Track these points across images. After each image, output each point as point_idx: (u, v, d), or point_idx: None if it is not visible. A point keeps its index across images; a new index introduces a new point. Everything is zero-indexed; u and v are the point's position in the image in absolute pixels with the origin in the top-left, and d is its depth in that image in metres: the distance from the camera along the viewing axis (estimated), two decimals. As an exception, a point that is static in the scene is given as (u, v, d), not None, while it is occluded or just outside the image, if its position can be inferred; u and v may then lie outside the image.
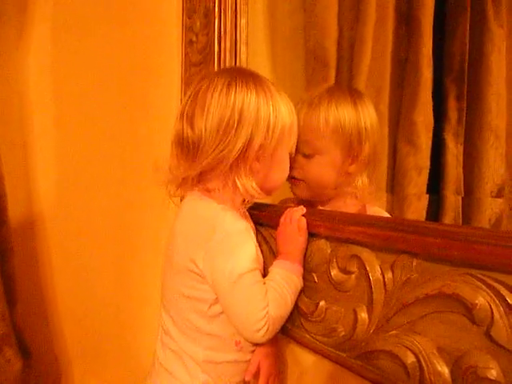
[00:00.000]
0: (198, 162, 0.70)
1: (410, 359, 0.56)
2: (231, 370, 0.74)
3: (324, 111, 0.79)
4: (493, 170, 0.92)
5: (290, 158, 0.78)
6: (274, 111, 0.70)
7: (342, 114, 0.78)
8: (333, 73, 1.01)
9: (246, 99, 0.68)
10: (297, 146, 0.79)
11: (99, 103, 1.14)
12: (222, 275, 0.67)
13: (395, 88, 1.00)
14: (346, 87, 0.90)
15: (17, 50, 1.06)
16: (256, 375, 0.75)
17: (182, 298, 0.73)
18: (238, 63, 0.94)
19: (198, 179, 0.74)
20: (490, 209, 0.91)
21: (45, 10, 1.09)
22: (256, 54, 1.03)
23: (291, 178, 0.83)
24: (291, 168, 0.79)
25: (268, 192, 0.77)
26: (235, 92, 0.68)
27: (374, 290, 0.61)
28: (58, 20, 1.11)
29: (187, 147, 0.71)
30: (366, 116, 0.80)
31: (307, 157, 0.81)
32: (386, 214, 0.85)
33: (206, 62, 0.99)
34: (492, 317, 0.48)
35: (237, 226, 0.70)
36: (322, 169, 0.80)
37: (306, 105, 0.81)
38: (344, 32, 1.02)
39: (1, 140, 0.98)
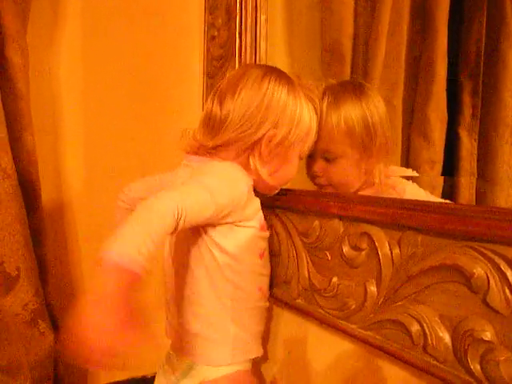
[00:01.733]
0: (219, 137, 0.74)
1: (415, 327, 0.61)
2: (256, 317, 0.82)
3: (334, 116, 0.81)
4: (507, 165, 0.94)
5: (311, 165, 0.84)
6: (300, 111, 0.75)
7: (350, 115, 0.81)
8: (348, 68, 1.05)
9: (277, 92, 0.73)
10: (316, 151, 0.83)
11: (125, 96, 1.21)
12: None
13: (410, 83, 1.03)
14: (348, 83, 0.92)
15: (50, 44, 1.14)
16: None
17: None
18: (257, 58, 0.99)
19: (213, 149, 0.77)
20: (504, 204, 0.95)
21: (75, 6, 1.16)
22: (274, 50, 1.08)
23: (317, 186, 0.87)
24: (315, 176, 0.85)
25: (269, 189, 0.82)
26: (268, 82, 0.73)
27: (382, 264, 0.66)
28: (86, 17, 1.18)
29: (213, 123, 0.75)
30: (372, 111, 0.82)
31: (328, 161, 0.84)
32: (421, 191, 0.87)
33: (227, 57, 1.04)
34: (488, 285, 0.52)
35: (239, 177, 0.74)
36: (345, 171, 0.84)
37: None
38: (359, 28, 1.05)
39: (35, 130, 1.05)
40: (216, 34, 1.08)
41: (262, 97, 0.72)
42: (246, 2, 0.99)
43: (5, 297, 0.96)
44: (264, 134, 0.73)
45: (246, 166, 0.76)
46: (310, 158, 0.87)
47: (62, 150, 1.17)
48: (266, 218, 0.90)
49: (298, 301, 0.82)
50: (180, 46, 1.22)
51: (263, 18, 1.02)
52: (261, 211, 0.80)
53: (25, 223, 0.97)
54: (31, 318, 0.99)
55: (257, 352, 0.83)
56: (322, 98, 0.83)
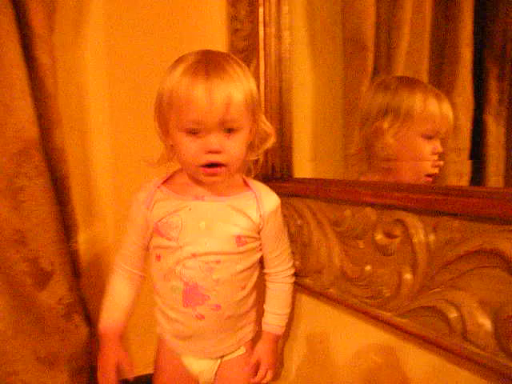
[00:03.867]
0: None
1: (453, 314, 0.60)
2: None
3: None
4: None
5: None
6: (164, 83, 0.79)
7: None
8: (371, 56, 1.04)
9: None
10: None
11: (149, 89, 1.21)
12: None
13: (434, 69, 1.02)
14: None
15: (75, 41, 1.15)
16: (255, 367, 0.93)
17: None
18: (282, 49, 0.99)
19: None
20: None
21: (98, 3, 1.18)
22: (296, 40, 1.08)
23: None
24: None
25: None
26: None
27: (417, 251, 0.65)
28: (110, 14, 1.19)
29: None
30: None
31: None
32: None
33: (251, 49, 1.04)
34: (530, 268, 0.52)
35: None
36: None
37: None
38: (381, 15, 1.04)
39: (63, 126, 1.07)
40: (239, 26, 1.08)
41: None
42: (268, -7, 0.98)
43: (41, 291, 0.98)
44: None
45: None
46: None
47: (90, 146, 1.19)
48: (295, 208, 0.90)
49: (330, 290, 0.82)
50: (203, 39, 1.22)
51: (286, 8, 1.01)
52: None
53: (57, 219, 0.99)
54: (66, 312, 1.01)
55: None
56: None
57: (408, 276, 0.67)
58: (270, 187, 0.97)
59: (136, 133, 1.22)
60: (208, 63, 0.75)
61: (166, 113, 0.78)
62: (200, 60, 0.76)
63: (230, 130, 0.76)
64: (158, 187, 0.87)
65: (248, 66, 1.04)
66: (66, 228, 1.04)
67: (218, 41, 1.20)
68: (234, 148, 0.77)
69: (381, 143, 0.88)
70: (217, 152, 0.76)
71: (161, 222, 0.84)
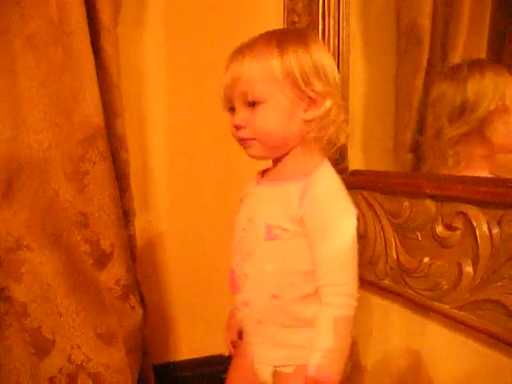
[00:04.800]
0: None
1: (517, 307, 0.60)
2: None
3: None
4: None
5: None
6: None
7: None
8: (426, 49, 1.03)
9: None
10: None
11: (206, 80, 1.25)
12: None
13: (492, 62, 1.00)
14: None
15: (136, 34, 1.20)
16: None
17: None
18: (340, 41, 0.99)
19: None
20: None
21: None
22: (351, 32, 1.08)
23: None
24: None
25: None
26: None
27: (480, 244, 0.65)
28: (170, 8, 1.23)
29: None
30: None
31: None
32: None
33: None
34: None
35: None
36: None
37: None
38: (438, 7, 1.03)
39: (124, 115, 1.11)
40: (296, 19, 1.10)
41: None
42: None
43: (100, 272, 1.03)
44: None
45: None
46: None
47: (148, 135, 1.23)
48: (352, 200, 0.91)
49: (385, 281, 0.83)
50: (260, 32, 1.24)
51: (344, 1, 1.01)
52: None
53: (118, 203, 1.03)
54: (123, 293, 1.05)
55: None
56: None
57: (469, 269, 0.67)
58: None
59: (193, 121, 1.26)
60: (245, 44, 0.78)
61: None
62: (243, 43, 0.78)
63: (253, 104, 0.74)
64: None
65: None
66: (124, 213, 1.09)
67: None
68: (258, 121, 0.75)
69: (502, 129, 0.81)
70: (241, 127, 0.76)
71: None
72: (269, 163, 0.82)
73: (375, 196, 0.84)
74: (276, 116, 0.75)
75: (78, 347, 1.01)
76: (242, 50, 0.76)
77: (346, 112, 0.81)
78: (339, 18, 0.99)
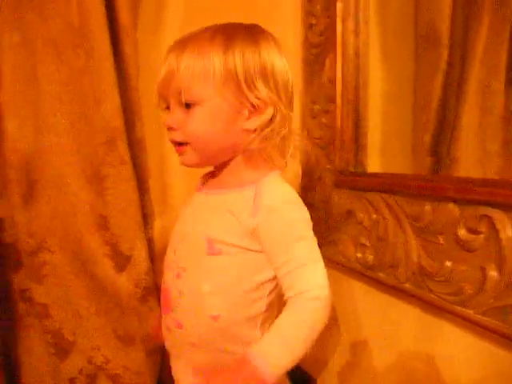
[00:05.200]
0: None
1: (544, 312, 0.59)
2: None
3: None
4: None
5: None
6: None
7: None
8: (445, 51, 1.02)
9: None
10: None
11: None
12: None
13: (512, 64, 0.99)
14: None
15: (153, 36, 1.20)
16: None
17: None
18: (360, 43, 0.99)
19: None
20: None
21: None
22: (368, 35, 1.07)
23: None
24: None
25: None
26: None
27: (504, 248, 0.64)
28: (188, 10, 1.23)
29: None
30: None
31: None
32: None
33: (326, 43, 1.05)
34: None
35: None
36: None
37: None
38: (457, 8, 1.02)
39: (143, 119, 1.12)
40: (314, 21, 1.09)
41: None
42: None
43: (120, 274, 1.04)
44: None
45: None
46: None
47: (166, 139, 1.23)
48: (370, 202, 0.91)
49: (406, 285, 0.82)
50: (277, 34, 1.24)
51: (363, 3, 1.01)
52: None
53: (138, 206, 1.04)
54: (142, 295, 1.06)
55: None
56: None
57: (493, 273, 0.66)
58: (344, 182, 0.98)
59: None
60: (188, 35, 0.70)
61: None
62: (187, 34, 0.72)
63: (188, 105, 0.67)
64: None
65: (324, 60, 1.06)
66: (144, 215, 1.09)
67: (292, 35, 1.22)
68: (191, 125, 0.67)
69: None
70: (172, 129, 0.70)
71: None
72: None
73: (395, 199, 0.83)
74: (211, 121, 0.67)
75: (98, 349, 1.02)
76: (183, 42, 0.68)
77: (291, 123, 0.72)
78: (358, 21, 0.98)
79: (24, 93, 0.99)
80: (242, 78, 0.66)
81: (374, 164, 1.03)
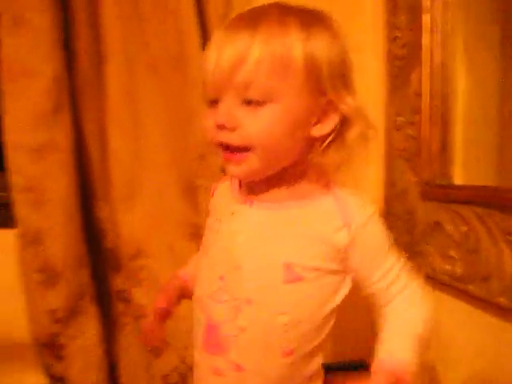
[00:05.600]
0: None
1: None
2: None
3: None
4: None
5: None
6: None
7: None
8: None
9: None
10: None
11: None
12: None
13: None
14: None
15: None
16: None
17: None
18: (446, 55, 0.99)
19: None
20: None
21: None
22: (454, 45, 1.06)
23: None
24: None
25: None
26: None
27: None
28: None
29: None
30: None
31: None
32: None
33: (411, 56, 1.06)
34: None
35: None
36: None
37: None
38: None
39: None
40: (399, 34, 1.10)
41: None
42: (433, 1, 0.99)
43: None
44: None
45: None
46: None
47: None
48: (460, 214, 0.90)
49: (500, 299, 0.81)
50: (360, 47, 1.27)
51: (450, 14, 1.01)
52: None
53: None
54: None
55: None
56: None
57: None
58: (432, 194, 0.98)
59: None
60: (250, 15, 0.56)
61: None
62: (245, 13, 0.57)
63: (253, 102, 0.53)
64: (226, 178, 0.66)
65: (409, 73, 1.06)
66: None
67: (374, 48, 1.24)
68: (256, 126, 0.54)
69: None
70: (225, 128, 0.55)
71: (207, 224, 0.68)
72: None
73: (488, 212, 0.82)
74: (282, 123, 0.54)
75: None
76: (249, 24, 0.53)
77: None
78: (445, 33, 0.98)
79: (126, 113, 1.08)
80: (325, 73, 0.54)
81: (459, 175, 1.02)
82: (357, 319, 1.07)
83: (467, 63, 1.07)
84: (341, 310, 0.64)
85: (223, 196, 0.67)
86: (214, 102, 0.56)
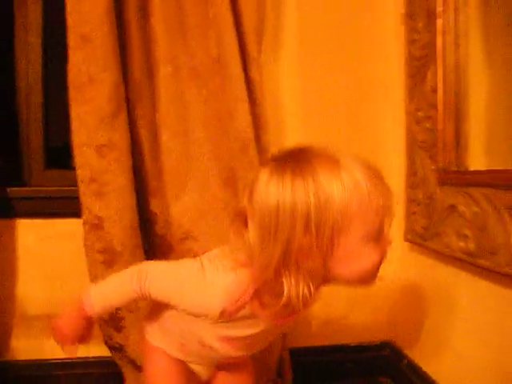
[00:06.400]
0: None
1: None
2: None
3: None
4: None
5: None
6: (316, 199, 0.59)
7: None
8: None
9: (281, 195, 0.60)
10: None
11: (334, 98, 1.43)
12: None
13: None
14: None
15: (274, 60, 1.42)
16: None
17: None
18: (459, 55, 1.09)
19: None
20: None
21: (291, 28, 1.42)
22: (473, 43, 1.15)
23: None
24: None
25: (352, 283, 0.68)
26: (272, 188, 0.62)
27: None
28: (300, 37, 1.43)
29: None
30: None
31: None
32: None
33: (428, 57, 1.17)
34: None
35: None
36: None
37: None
38: None
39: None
40: (417, 37, 1.22)
41: (269, 209, 0.62)
42: (446, 5, 1.10)
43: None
44: (283, 254, 0.62)
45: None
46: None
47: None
48: (472, 197, 1.01)
49: (506, 269, 0.91)
50: (380, 51, 1.40)
51: (462, 17, 1.11)
52: None
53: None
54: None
55: None
56: None
57: None
58: (447, 179, 1.11)
59: (325, 140, 1.41)
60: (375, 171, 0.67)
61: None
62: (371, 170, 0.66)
63: None
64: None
65: (426, 72, 1.18)
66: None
67: (395, 51, 1.36)
68: None
69: None
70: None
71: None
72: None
73: (495, 192, 0.93)
74: None
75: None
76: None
77: None
78: (458, 35, 1.09)
79: (174, 112, 1.24)
80: None
81: (479, 163, 1.11)
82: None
83: (487, 59, 1.15)
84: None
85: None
86: (376, 240, 0.63)
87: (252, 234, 0.64)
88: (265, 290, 0.68)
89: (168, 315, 0.83)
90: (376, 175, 0.63)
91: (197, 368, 0.89)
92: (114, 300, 0.80)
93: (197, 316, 0.73)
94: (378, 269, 0.66)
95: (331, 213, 0.59)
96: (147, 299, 0.78)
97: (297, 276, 0.62)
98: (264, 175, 0.64)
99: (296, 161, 0.63)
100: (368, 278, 0.66)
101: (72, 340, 0.81)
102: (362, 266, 0.64)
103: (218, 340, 0.77)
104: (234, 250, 0.70)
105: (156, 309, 0.87)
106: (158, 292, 0.75)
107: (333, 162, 0.62)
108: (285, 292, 0.62)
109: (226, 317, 0.70)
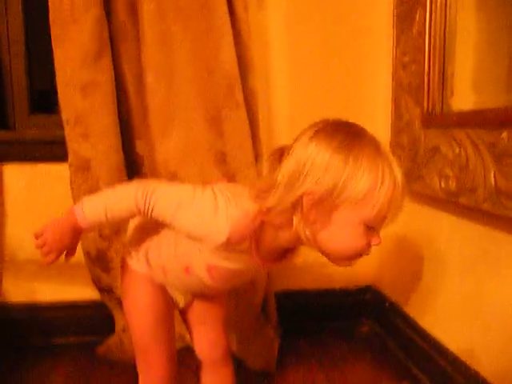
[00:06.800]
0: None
1: None
2: None
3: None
4: None
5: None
6: (351, 175, 0.65)
7: None
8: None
9: (321, 153, 0.66)
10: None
11: (320, 45, 1.41)
12: None
13: None
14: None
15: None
16: None
17: None
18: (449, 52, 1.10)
19: None
20: None
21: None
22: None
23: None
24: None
25: (328, 255, 0.74)
26: (315, 144, 0.67)
27: None
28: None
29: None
30: None
31: None
32: None
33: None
34: None
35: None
36: None
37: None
38: None
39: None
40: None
41: (306, 157, 0.67)
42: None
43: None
44: (304, 192, 0.67)
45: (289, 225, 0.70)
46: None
47: (272, 92, 1.44)
48: (454, 138, 1.02)
49: (484, 205, 0.93)
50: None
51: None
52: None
53: (250, 145, 1.24)
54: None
55: None
56: None
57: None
58: (431, 121, 1.12)
59: (314, 80, 1.44)
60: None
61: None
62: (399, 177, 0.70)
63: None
64: None
65: (414, 14, 1.17)
66: (254, 156, 1.28)
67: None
68: None
69: None
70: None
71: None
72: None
73: (476, 131, 0.94)
74: None
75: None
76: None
77: None
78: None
79: (159, 54, 1.22)
80: None
81: (464, 105, 1.10)
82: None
83: (477, 2, 1.14)
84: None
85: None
86: (369, 228, 0.70)
87: (283, 171, 0.68)
88: (268, 229, 0.72)
89: (159, 240, 0.85)
90: (404, 186, 0.69)
91: (175, 294, 0.91)
92: (109, 212, 0.76)
93: (198, 239, 0.74)
94: (359, 254, 0.72)
95: (355, 191, 0.65)
96: (145, 216, 0.75)
97: (302, 220, 0.68)
98: (315, 128, 0.69)
99: (348, 132, 0.68)
100: (347, 255, 0.72)
101: (56, 250, 0.78)
102: (348, 244, 0.70)
103: (207, 269, 0.79)
104: (257, 182, 0.73)
105: (143, 232, 0.88)
106: (163, 209, 0.73)
107: (380, 153, 0.67)
108: (294, 226, 0.69)
109: (229, 245, 0.71)
